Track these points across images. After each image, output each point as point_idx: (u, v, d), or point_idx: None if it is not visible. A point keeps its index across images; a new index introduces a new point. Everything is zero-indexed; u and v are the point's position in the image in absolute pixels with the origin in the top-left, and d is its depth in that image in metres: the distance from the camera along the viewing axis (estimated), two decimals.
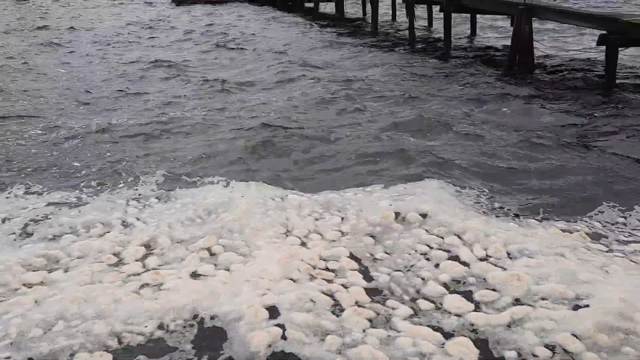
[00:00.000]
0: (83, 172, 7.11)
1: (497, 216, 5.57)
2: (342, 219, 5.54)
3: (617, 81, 11.10)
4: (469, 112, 9.53)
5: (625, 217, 5.49)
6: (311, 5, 29.83)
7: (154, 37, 21.44)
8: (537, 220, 5.47)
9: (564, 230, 5.20)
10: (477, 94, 10.74)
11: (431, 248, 4.95)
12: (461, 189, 6.22)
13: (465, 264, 4.66)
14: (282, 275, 4.48)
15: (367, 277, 4.53)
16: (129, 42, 20.28)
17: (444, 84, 11.84)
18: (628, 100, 9.93)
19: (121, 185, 6.62)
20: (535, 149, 7.57)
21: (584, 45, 15.84)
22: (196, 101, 10.98)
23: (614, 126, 8.48)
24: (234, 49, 17.89)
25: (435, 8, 20.03)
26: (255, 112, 10.02)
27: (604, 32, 10.94)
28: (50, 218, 5.67)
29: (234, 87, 12.19)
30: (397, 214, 5.52)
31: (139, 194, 6.28)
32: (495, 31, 19.62)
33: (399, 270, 4.61)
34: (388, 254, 4.88)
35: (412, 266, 4.68)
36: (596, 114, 9.18)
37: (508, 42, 14.40)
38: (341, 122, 9.17)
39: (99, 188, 6.54)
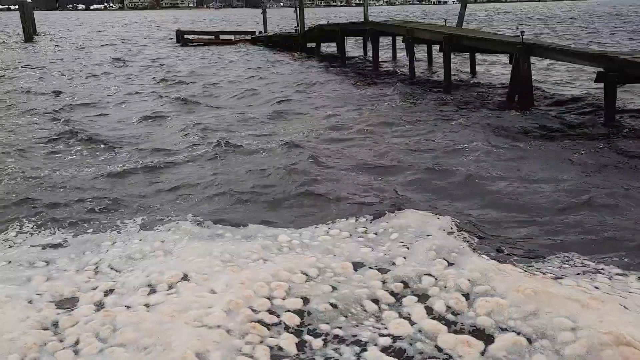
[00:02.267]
0: None
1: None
2: None
3: (617, 116, 11.29)
4: (465, 148, 9.67)
5: None
6: (313, 45, 30.54)
7: None
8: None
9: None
10: (475, 131, 10.89)
11: None
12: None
13: None
14: None
15: None
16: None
17: (443, 121, 12.01)
18: (628, 138, 10.06)
19: None
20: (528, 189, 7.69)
21: (583, 79, 16.22)
22: None
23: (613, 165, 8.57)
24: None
25: (435, 47, 20.49)
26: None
27: (602, 69, 11.19)
28: None
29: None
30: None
31: None
32: (494, 69, 20.06)
33: None
34: None
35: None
36: (596, 151, 9.30)
37: (507, 79, 14.71)
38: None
39: None
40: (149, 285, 5.01)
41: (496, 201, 7.16)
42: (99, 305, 4.75)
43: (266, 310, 4.55)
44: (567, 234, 6.02)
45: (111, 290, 4.99)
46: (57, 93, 17.74)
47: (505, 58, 17.25)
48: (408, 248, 5.68)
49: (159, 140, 11.21)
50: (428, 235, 5.91)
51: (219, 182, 8.21)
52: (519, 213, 6.72)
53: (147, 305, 4.67)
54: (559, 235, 5.99)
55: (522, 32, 13.82)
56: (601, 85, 11.22)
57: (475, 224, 6.38)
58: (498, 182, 7.84)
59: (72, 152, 10.38)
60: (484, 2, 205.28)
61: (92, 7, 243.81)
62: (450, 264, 5.28)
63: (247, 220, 6.61)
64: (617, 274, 5.02)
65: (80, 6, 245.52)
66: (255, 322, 4.36)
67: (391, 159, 9.22)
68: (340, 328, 4.34)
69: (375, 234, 6.11)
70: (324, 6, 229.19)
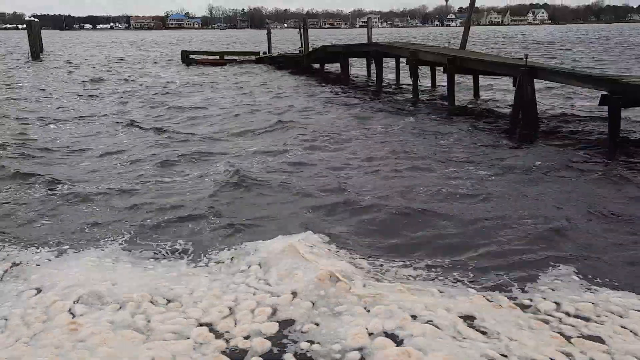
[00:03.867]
0: None
1: None
2: None
3: (621, 136, 11.28)
4: (468, 171, 9.63)
5: None
6: (317, 66, 30.84)
7: None
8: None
9: None
10: (478, 153, 10.87)
11: None
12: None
13: None
14: None
15: None
16: None
17: (446, 143, 11.99)
18: (631, 161, 10.03)
19: None
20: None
21: (587, 100, 16.26)
22: None
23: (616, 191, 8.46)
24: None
25: (439, 69, 20.58)
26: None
27: (606, 92, 11.20)
28: None
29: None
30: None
31: None
32: (497, 91, 20.12)
33: None
34: None
35: None
36: (598, 175, 9.25)
37: (511, 100, 14.73)
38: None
39: None
40: None
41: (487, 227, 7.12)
42: None
43: None
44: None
45: None
46: None
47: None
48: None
49: None
50: None
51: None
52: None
53: None
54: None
55: (526, 55, 13.89)
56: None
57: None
58: (493, 208, 7.82)
59: None
60: (486, 25, 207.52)
61: (98, 27, 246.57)
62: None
63: None
64: None
65: (87, 26, 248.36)
66: None
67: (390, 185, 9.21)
68: None
69: None
70: (328, 27, 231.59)
